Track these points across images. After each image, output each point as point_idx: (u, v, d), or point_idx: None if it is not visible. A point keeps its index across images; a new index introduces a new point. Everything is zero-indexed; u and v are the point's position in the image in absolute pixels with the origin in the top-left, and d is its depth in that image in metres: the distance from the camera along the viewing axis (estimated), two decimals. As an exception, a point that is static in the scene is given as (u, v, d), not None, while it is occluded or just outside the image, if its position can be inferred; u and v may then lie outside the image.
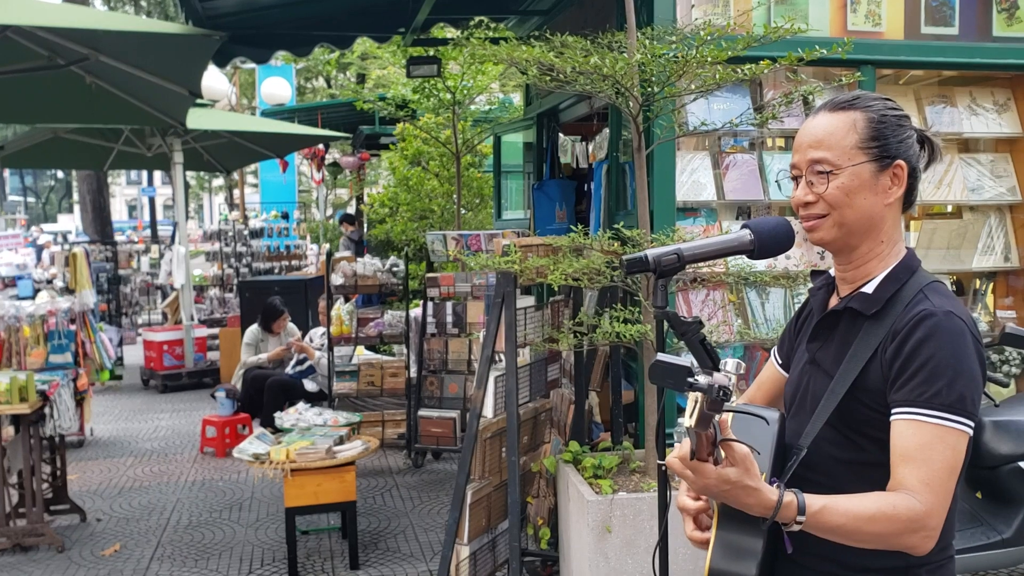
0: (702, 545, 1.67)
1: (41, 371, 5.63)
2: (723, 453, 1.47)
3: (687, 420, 1.40)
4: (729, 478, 1.46)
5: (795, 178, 1.73)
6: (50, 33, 5.39)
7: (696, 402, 1.38)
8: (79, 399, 5.80)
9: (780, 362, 1.94)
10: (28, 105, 6.70)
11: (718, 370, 1.51)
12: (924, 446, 1.53)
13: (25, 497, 5.29)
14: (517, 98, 11.95)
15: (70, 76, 5.86)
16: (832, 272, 1.83)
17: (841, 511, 1.51)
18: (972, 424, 1.55)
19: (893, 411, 1.58)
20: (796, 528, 1.51)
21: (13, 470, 5.32)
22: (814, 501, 1.51)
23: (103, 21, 6.03)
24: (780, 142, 5.35)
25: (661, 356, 1.44)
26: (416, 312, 6.87)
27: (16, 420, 5.21)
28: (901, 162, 1.68)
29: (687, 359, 1.40)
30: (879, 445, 1.62)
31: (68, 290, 8.35)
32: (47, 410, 5.29)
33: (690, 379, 1.37)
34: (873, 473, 1.61)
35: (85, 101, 6.36)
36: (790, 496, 1.50)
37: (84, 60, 5.62)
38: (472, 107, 9.79)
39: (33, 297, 8.39)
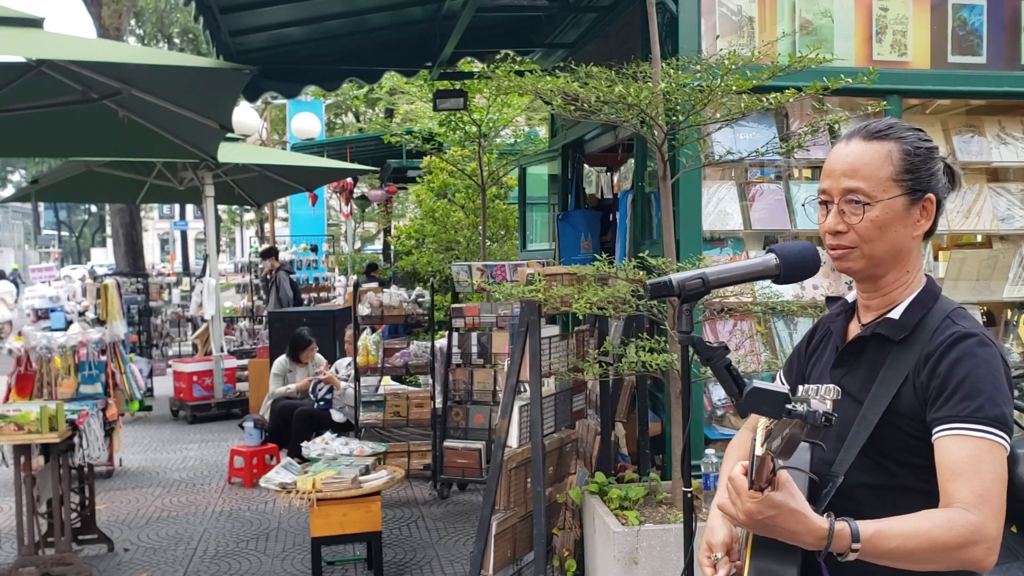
0: None
1: (71, 401, 5.68)
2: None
3: (758, 448, 1.39)
4: (775, 501, 1.44)
5: (823, 203, 1.72)
6: (84, 67, 5.49)
7: (770, 431, 1.37)
8: (108, 429, 5.84)
9: (788, 387, 1.92)
10: (62, 139, 6.81)
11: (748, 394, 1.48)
12: (972, 459, 1.52)
13: (54, 526, 5.31)
14: (542, 131, 12.03)
15: (103, 110, 5.95)
16: (848, 298, 1.83)
17: (895, 533, 1.48)
18: (1010, 439, 1.55)
19: (936, 430, 1.57)
20: (852, 557, 1.47)
21: (42, 499, 5.35)
22: (866, 527, 1.48)
23: (136, 56, 6.13)
24: (807, 172, 5.34)
25: (758, 383, 1.41)
26: (441, 343, 6.88)
27: (46, 449, 5.26)
28: (931, 195, 1.68)
29: (784, 386, 1.39)
30: (910, 470, 1.62)
31: (99, 321, 8.43)
32: (76, 439, 5.32)
33: (788, 406, 1.34)
34: (903, 498, 1.60)
35: (118, 135, 6.45)
36: (842, 524, 1.47)
37: (117, 94, 5.70)
38: (498, 140, 9.87)
39: (65, 329, 8.49)
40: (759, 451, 1.39)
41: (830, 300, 1.89)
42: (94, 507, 5.84)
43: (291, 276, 12.66)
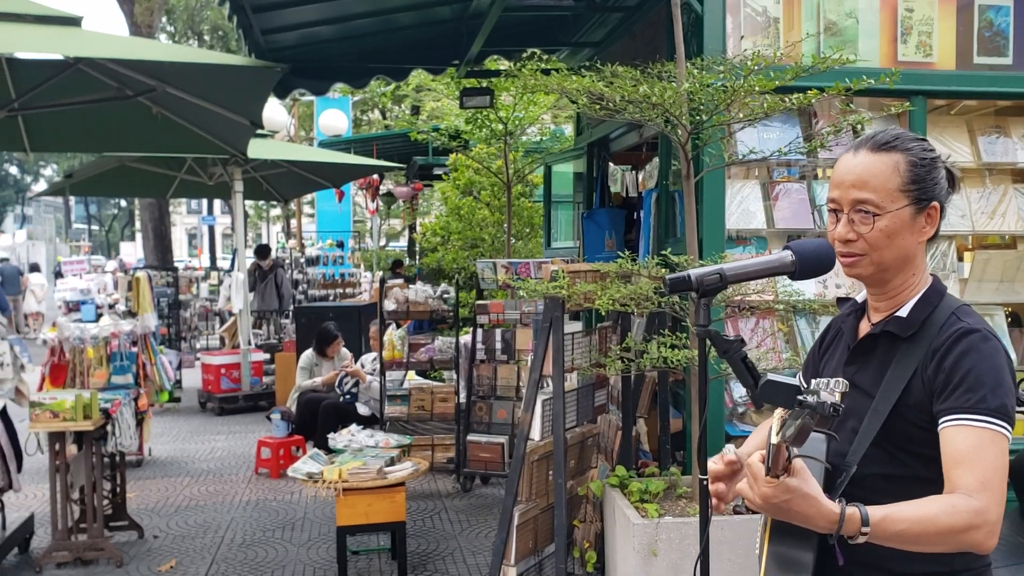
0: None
1: (103, 390, 5.81)
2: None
3: (773, 437, 1.48)
4: (790, 486, 1.52)
5: (833, 211, 1.80)
6: (120, 65, 5.61)
7: (785, 421, 1.46)
8: (139, 419, 5.97)
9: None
10: (97, 134, 6.95)
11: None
12: (975, 448, 1.61)
13: (86, 512, 5.45)
14: (568, 129, 12.06)
15: (137, 106, 6.08)
16: (858, 299, 1.92)
17: (903, 517, 1.57)
18: (1011, 430, 1.64)
19: (941, 420, 1.66)
20: (862, 539, 1.56)
21: (75, 486, 5.48)
22: (875, 511, 1.56)
23: (170, 54, 6.26)
24: (831, 172, 5.36)
25: (772, 376, 1.53)
26: (466, 339, 6.96)
27: (79, 437, 5.39)
28: (936, 203, 1.77)
29: (797, 379, 1.48)
30: (921, 460, 1.70)
31: (131, 313, 8.58)
32: (109, 428, 5.45)
33: (799, 397, 1.45)
34: (915, 488, 1.67)
35: (151, 131, 6.58)
36: (852, 509, 1.56)
37: (151, 91, 5.82)
38: (523, 138, 9.92)
39: (96, 321, 8.65)
40: (774, 440, 1.48)
41: (840, 301, 1.98)
42: (125, 495, 5.98)
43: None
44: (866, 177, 1.74)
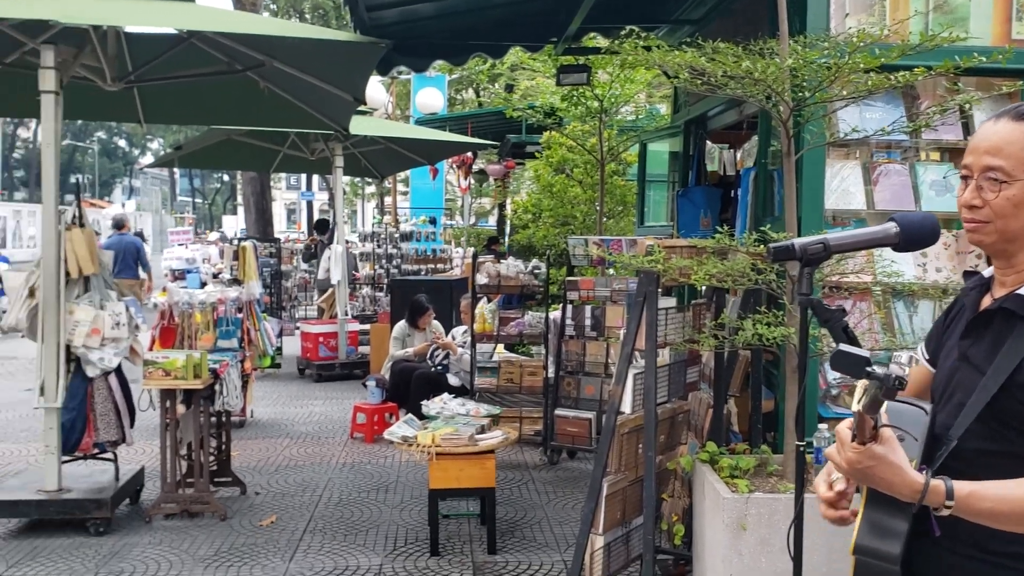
0: (835, 515, 1.75)
1: (210, 353, 6.07)
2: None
3: (855, 405, 1.54)
4: (875, 453, 1.55)
5: (964, 177, 1.77)
6: (230, 40, 5.82)
7: (865, 389, 1.52)
8: (243, 381, 6.23)
9: (927, 357, 1.97)
10: (207, 108, 7.22)
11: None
12: None
13: (193, 468, 5.74)
14: (663, 108, 11.98)
15: (246, 81, 6.30)
16: (986, 274, 1.88)
17: (990, 495, 1.57)
18: None
19: None
20: (945, 512, 1.58)
21: (184, 442, 5.76)
22: (962, 487, 1.57)
23: (279, 29, 6.45)
24: (935, 154, 5.24)
25: (843, 346, 1.58)
26: (555, 314, 7.04)
27: (188, 396, 5.66)
28: None
29: (866, 351, 1.53)
30: None
31: (236, 281, 8.91)
32: (217, 387, 5.71)
33: (868, 368, 1.50)
34: (1016, 465, 1.65)
35: (258, 105, 6.80)
36: (937, 482, 1.57)
37: (260, 66, 6.02)
38: (618, 116, 9.91)
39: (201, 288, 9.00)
40: (855, 407, 1.54)
41: (967, 274, 1.94)
42: (229, 452, 6.25)
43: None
44: (1000, 144, 1.71)
